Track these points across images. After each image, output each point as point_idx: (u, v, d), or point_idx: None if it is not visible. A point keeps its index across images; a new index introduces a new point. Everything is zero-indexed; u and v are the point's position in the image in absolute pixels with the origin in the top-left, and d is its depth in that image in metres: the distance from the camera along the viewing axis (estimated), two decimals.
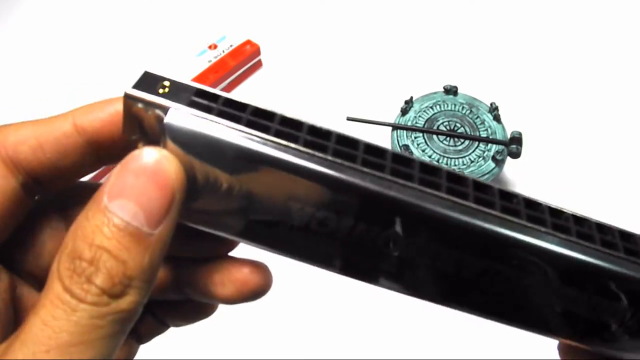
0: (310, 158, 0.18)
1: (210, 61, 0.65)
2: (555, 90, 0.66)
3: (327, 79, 0.66)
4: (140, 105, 0.18)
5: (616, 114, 0.64)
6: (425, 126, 0.57)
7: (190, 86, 0.18)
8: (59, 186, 0.22)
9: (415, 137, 0.57)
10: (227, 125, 0.18)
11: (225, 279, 0.23)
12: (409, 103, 0.59)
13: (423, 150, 0.56)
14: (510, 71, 0.67)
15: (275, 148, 0.18)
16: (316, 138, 0.18)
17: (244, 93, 0.67)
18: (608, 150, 0.61)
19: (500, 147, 0.55)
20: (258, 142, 0.18)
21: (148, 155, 0.17)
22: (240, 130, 0.18)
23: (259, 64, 0.69)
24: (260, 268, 0.24)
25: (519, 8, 0.72)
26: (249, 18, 0.72)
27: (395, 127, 0.57)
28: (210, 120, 0.18)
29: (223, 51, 0.66)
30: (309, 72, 0.67)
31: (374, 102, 0.63)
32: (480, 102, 0.59)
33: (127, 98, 0.18)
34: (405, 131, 0.57)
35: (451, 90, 0.60)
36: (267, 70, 0.69)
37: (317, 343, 0.48)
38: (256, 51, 0.67)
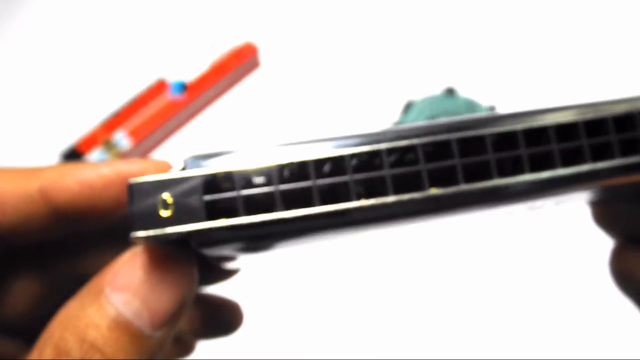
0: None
1: (209, 63, 0.66)
2: (554, 92, 0.65)
3: (326, 80, 0.66)
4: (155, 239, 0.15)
5: None
6: None
7: (190, 178, 0.15)
8: (24, 244, 0.19)
9: None
10: (252, 222, 0.15)
11: (194, 315, 0.23)
12: (409, 105, 0.59)
13: None
14: (509, 73, 0.67)
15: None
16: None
17: (242, 94, 0.67)
18: None
19: None
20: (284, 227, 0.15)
21: (164, 253, 0.15)
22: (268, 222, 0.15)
23: (257, 66, 0.69)
24: (230, 305, 0.24)
25: (519, 10, 0.72)
26: (248, 20, 0.73)
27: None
28: (235, 226, 0.15)
29: (222, 53, 0.66)
30: (307, 74, 0.67)
31: (374, 104, 0.63)
32: (480, 104, 0.59)
33: (137, 239, 0.15)
34: None
35: (451, 92, 0.60)
36: (265, 72, 0.69)
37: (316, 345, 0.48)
38: (255, 53, 0.67)
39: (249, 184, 0.15)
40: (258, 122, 0.63)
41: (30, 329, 0.20)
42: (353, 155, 0.16)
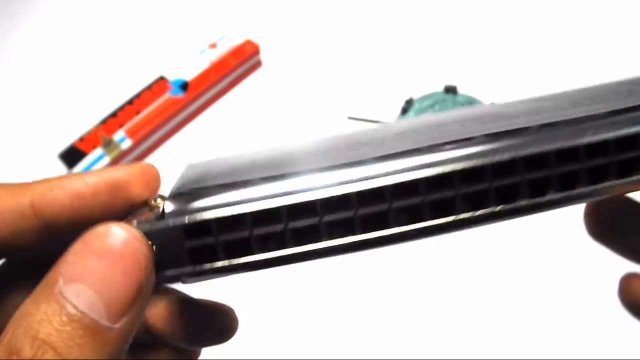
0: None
1: (210, 61, 0.65)
2: (555, 88, 0.66)
3: (327, 78, 0.66)
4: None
5: None
6: None
7: (171, 227, 0.16)
8: (19, 260, 0.19)
9: None
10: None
11: (186, 323, 0.22)
12: (409, 102, 0.59)
13: None
14: (510, 71, 0.67)
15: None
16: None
17: (243, 93, 0.67)
18: None
19: None
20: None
21: (115, 234, 0.14)
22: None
23: (258, 64, 0.69)
24: (224, 311, 0.23)
25: (519, 8, 0.72)
26: (249, 18, 0.72)
27: None
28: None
29: (223, 51, 0.66)
30: (309, 72, 0.67)
31: (374, 102, 0.63)
32: (480, 101, 0.59)
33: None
34: None
35: (451, 90, 0.60)
36: (267, 70, 0.69)
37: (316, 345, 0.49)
38: (256, 51, 0.67)
39: (231, 227, 0.16)
40: (260, 122, 0.63)
41: None
42: (359, 194, 0.16)
